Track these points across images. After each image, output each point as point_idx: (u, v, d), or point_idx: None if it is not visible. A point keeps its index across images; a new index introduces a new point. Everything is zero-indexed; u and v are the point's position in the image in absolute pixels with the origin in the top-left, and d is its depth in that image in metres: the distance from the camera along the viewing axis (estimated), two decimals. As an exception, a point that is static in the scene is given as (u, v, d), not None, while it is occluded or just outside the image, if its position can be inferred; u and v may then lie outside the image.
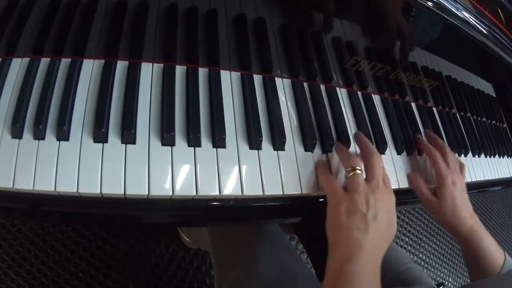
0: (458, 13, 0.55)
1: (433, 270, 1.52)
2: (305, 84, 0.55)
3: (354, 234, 0.42)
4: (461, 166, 0.59)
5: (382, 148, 0.57)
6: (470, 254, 0.55)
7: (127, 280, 1.01)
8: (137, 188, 0.40)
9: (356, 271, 0.40)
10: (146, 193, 0.40)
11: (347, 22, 0.55)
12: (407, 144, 0.60)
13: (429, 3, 0.52)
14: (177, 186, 0.41)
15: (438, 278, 1.52)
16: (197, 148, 0.44)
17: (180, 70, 0.48)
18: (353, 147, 0.54)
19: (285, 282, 0.57)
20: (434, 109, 0.70)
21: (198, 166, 0.43)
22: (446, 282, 1.54)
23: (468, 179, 0.68)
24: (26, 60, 0.43)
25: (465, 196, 0.56)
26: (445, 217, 0.54)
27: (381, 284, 0.42)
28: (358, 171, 0.45)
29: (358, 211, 0.42)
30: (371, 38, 0.57)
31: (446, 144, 0.61)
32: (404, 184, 0.57)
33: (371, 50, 0.58)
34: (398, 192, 0.50)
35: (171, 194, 0.41)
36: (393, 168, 0.57)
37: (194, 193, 0.42)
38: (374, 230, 0.42)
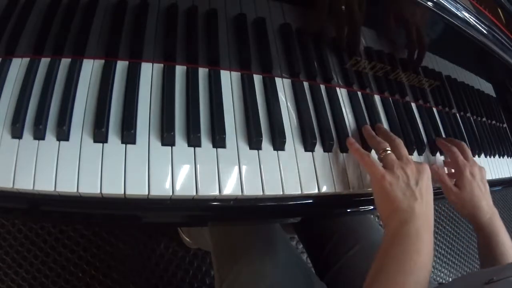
0: (458, 13, 0.55)
1: (433, 270, 1.52)
2: (305, 84, 0.55)
3: (404, 201, 0.45)
4: None
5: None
6: (485, 247, 0.57)
7: (127, 280, 1.01)
8: (137, 188, 0.40)
9: (411, 232, 0.43)
10: (146, 193, 0.40)
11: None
12: (407, 143, 0.60)
13: (429, 3, 0.52)
14: (177, 186, 0.41)
15: (438, 278, 1.52)
16: (197, 148, 0.44)
17: (180, 70, 0.48)
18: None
19: (286, 281, 0.57)
20: (434, 109, 0.70)
21: (198, 166, 0.43)
22: (446, 282, 1.53)
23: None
24: (26, 60, 0.43)
25: (485, 187, 0.59)
26: (466, 207, 0.58)
27: None
28: (389, 151, 0.49)
29: (401, 181, 0.46)
30: (372, 39, 0.57)
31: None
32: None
33: (371, 50, 0.58)
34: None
35: (171, 194, 0.41)
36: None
37: (194, 193, 0.42)
38: (419, 194, 0.46)
